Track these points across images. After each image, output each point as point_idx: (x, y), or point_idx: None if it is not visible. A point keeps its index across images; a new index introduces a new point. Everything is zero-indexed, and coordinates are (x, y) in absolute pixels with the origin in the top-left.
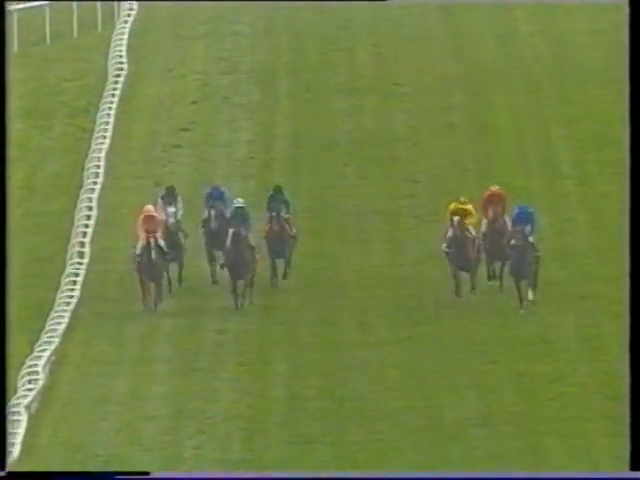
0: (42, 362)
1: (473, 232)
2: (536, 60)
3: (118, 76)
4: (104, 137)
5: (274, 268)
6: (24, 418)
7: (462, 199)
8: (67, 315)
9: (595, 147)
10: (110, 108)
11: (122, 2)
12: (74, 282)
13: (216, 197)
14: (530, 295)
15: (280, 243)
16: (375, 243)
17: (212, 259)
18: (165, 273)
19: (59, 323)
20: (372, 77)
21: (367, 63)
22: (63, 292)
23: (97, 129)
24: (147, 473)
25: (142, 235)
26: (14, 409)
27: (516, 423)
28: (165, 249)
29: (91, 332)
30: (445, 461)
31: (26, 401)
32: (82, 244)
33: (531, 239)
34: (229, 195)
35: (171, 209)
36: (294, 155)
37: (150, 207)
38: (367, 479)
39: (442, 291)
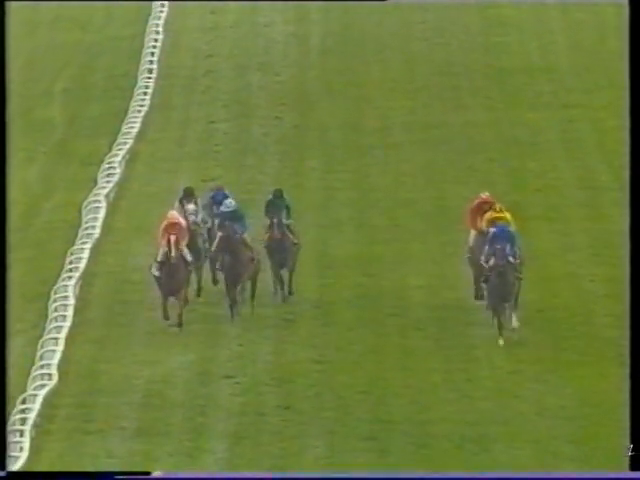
0: (118, 159)
1: None
2: None
3: None
4: None
5: (279, 280)
6: (103, 205)
7: (498, 207)
8: (139, 120)
9: None
10: None
11: None
12: (145, 93)
13: (219, 201)
14: (514, 322)
15: (282, 252)
16: (392, 62)
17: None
18: (185, 287)
19: (132, 127)
20: None
21: None
22: (136, 101)
23: None
24: (148, 473)
25: (165, 242)
26: (95, 197)
27: (509, 210)
28: (188, 259)
29: (159, 135)
30: (451, 242)
31: (105, 191)
32: (151, 62)
33: (511, 259)
34: (233, 198)
35: (191, 206)
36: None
37: (175, 213)
38: (367, 479)
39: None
